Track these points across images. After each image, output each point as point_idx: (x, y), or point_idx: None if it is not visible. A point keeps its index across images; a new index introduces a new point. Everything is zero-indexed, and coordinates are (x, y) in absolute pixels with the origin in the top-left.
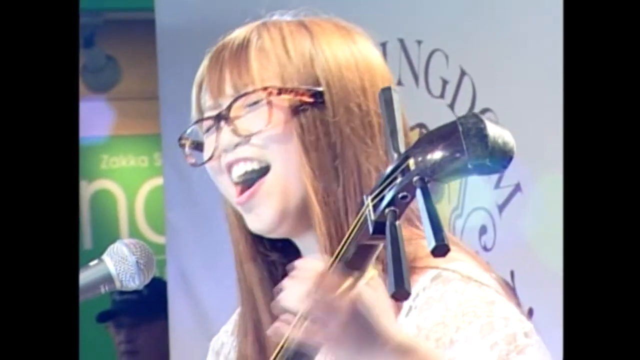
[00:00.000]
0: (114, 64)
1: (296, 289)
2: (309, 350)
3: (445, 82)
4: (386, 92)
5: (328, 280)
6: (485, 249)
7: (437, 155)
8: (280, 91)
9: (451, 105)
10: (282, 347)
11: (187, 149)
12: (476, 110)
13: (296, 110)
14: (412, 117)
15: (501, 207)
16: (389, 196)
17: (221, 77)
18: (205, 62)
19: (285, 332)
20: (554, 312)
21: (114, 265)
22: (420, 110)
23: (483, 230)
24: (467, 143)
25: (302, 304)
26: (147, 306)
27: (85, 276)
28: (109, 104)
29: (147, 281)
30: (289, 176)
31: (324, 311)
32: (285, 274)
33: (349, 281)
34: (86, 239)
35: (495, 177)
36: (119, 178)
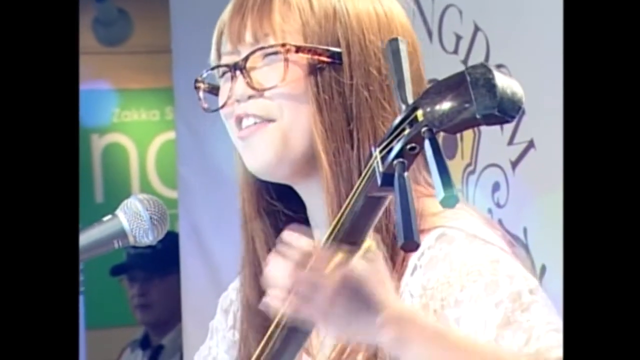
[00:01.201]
0: (126, 17)
1: (281, 265)
2: (303, 325)
3: (459, 38)
4: (393, 43)
5: (316, 256)
6: (499, 205)
7: (445, 105)
8: (298, 49)
9: (465, 61)
10: (277, 323)
11: (201, 93)
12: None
13: (313, 68)
14: (426, 73)
15: (514, 164)
16: (397, 148)
17: (242, 24)
18: (229, 7)
19: (275, 306)
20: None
21: (128, 221)
22: (434, 65)
23: (496, 186)
24: (476, 93)
25: (288, 280)
26: (161, 260)
27: (99, 231)
28: (120, 57)
29: (160, 236)
30: (294, 130)
31: (308, 287)
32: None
33: (339, 256)
34: (97, 193)
35: (508, 133)
36: (130, 132)
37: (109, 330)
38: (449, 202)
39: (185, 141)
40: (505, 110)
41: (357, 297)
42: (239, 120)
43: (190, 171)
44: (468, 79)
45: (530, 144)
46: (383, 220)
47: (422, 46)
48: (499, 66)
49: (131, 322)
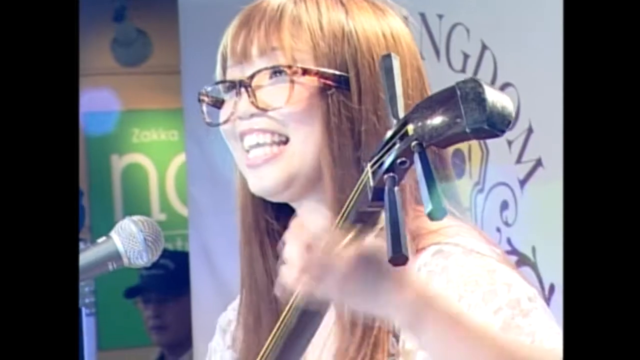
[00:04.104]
0: (144, 38)
1: (295, 245)
2: (316, 307)
3: (466, 57)
4: (386, 60)
5: (326, 237)
6: (507, 224)
7: (435, 120)
8: (305, 72)
9: None
10: (290, 306)
11: (204, 107)
12: (497, 85)
13: (321, 91)
14: (433, 92)
15: (522, 182)
16: (387, 162)
17: (248, 38)
18: (234, 22)
19: (291, 285)
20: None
21: (122, 243)
22: (442, 84)
23: (504, 205)
24: (465, 107)
25: (301, 260)
26: (175, 281)
27: (93, 253)
28: (139, 77)
29: (155, 258)
30: (300, 154)
31: (319, 267)
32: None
33: (352, 234)
34: (117, 213)
35: (516, 152)
36: (149, 152)
37: (124, 351)
38: (437, 214)
39: (195, 161)
40: (495, 125)
41: (373, 273)
42: (242, 136)
43: (200, 191)
44: (458, 93)
45: (538, 163)
46: None
47: (430, 65)
48: (506, 84)
49: (147, 343)
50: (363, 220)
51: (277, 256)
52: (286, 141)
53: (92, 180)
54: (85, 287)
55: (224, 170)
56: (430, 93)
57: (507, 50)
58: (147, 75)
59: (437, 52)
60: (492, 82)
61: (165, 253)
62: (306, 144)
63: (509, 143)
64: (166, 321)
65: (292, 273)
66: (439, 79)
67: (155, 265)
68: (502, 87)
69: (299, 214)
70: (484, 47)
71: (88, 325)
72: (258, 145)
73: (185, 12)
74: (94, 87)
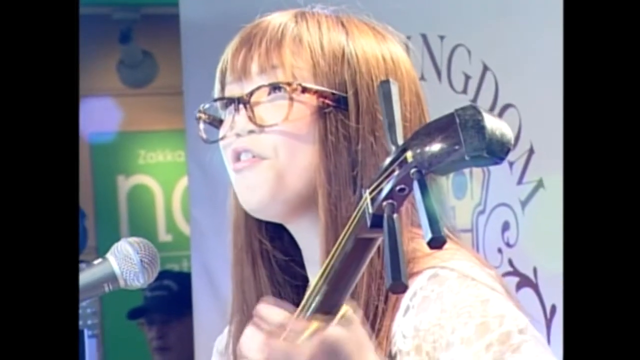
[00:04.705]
0: (150, 59)
1: (255, 337)
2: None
3: (467, 78)
4: (385, 85)
5: (289, 328)
6: (509, 245)
7: (434, 147)
8: (305, 90)
9: (474, 101)
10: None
11: (202, 124)
12: (498, 106)
13: (319, 110)
14: (434, 113)
15: (524, 203)
16: (386, 189)
17: (249, 55)
18: (235, 39)
19: None
20: None
21: (118, 264)
22: (443, 105)
23: (506, 226)
24: (465, 135)
25: (261, 353)
26: (178, 302)
27: (90, 274)
28: (145, 98)
29: (151, 280)
30: (291, 169)
31: (282, 357)
32: (280, 266)
33: (314, 325)
34: (124, 234)
35: (517, 173)
36: (156, 173)
37: None
38: (436, 242)
39: (197, 183)
40: (494, 152)
41: None
42: (237, 154)
43: (202, 213)
44: (457, 120)
45: (540, 184)
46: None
47: (431, 86)
48: (507, 105)
49: None
50: (356, 252)
51: (269, 278)
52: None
53: (98, 201)
54: (87, 309)
55: (226, 192)
56: (428, 118)
57: (508, 71)
58: (153, 97)
59: (439, 73)
60: (494, 103)
61: (170, 274)
62: (296, 160)
63: (510, 164)
64: (169, 342)
65: None
66: (440, 100)
67: (159, 286)
68: (503, 109)
69: (293, 234)
70: (485, 68)
71: (90, 347)
72: (252, 157)
73: (187, 33)
74: (100, 108)
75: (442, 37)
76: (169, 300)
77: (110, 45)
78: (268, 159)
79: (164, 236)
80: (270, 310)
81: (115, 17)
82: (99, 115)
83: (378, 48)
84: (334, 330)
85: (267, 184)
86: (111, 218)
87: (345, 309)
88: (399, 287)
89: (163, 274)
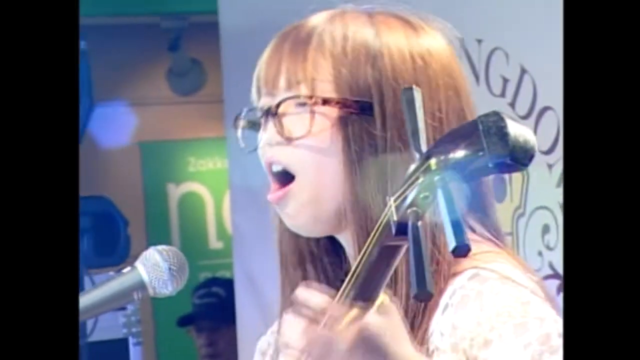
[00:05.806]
0: (199, 67)
1: (296, 324)
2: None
3: (505, 81)
4: (407, 92)
5: (329, 315)
6: (549, 248)
7: (458, 154)
8: (325, 102)
9: (512, 104)
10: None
11: (239, 131)
12: (537, 109)
13: (343, 120)
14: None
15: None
16: (410, 196)
17: (278, 69)
18: (267, 48)
19: None
20: None
21: (147, 272)
22: (481, 109)
23: (546, 229)
24: (488, 142)
25: (302, 339)
26: (227, 309)
27: (118, 283)
28: (194, 106)
29: (180, 287)
30: (321, 185)
31: (321, 346)
32: (325, 271)
33: (353, 312)
34: (175, 242)
35: (557, 175)
36: (206, 180)
37: None
38: (460, 251)
39: (238, 190)
40: (518, 159)
41: (373, 353)
42: (269, 165)
43: (244, 220)
44: (480, 127)
45: None
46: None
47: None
48: (546, 108)
49: None
50: (382, 260)
51: (318, 278)
52: (293, 178)
53: (149, 210)
54: (132, 317)
55: (265, 196)
56: (473, 112)
57: (546, 74)
58: (203, 104)
59: (477, 77)
60: (532, 106)
61: (218, 281)
62: (329, 175)
63: (549, 166)
64: (218, 349)
65: (293, 352)
66: (479, 103)
67: (207, 293)
68: (542, 111)
69: (342, 242)
70: (523, 71)
71: (135, 355)
72: (278, 173)
73: (227, 40)
74: (150, 116)
75: (479, 41)
76: (218, 307)
77: (159, 54)
78: (297, 175)
79: (214, 243)
80: (310, 294)
81: (163, 26)
82: (149, 124)
83: (407, 45)
84: (373, 318)
85: (305, 209)
86: (162, 226)
87: (383, 297)
88: (425, 295)
89: (211, 281)
